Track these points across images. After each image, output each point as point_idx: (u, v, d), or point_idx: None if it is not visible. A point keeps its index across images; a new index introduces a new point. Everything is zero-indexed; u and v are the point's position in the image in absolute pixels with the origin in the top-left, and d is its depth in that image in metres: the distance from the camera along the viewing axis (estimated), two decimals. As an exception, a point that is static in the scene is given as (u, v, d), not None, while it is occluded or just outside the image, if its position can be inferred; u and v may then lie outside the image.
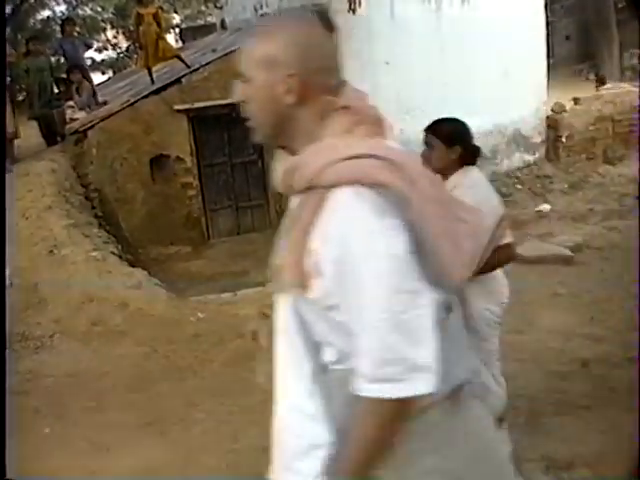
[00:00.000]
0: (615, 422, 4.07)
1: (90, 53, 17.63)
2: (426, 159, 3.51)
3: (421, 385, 1.65)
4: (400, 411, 1.68)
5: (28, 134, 11.11)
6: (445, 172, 3.54)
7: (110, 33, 24.55)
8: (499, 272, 3.70)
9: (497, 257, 3.49)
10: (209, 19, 23.29)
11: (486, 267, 3.47)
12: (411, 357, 1.64)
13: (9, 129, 9.70)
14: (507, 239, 3.57)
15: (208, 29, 18.58)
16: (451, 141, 3.51)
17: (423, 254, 1.70)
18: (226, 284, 8.63)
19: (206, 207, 11.38)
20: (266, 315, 6.50)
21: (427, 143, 3.58)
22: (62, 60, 13.30)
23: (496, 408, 3.73)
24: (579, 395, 4.54)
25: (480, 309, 3.50)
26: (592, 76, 18.31)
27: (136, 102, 10.49)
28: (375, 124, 1.85)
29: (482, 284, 3.51)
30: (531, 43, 12.48)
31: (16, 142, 10.37)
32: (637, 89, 12.91)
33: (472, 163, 3.60)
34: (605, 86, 13.83)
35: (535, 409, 4.40)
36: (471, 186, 3.47)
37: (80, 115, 10.67)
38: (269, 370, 1.98)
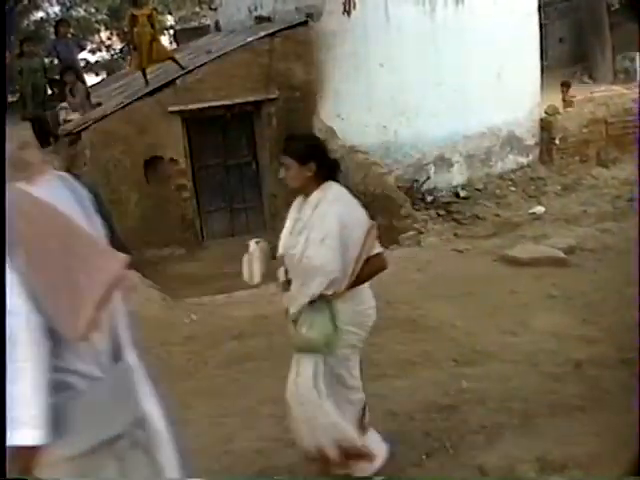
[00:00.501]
0: (609, 423, 4.08)
1: (84, 54, 17.63)
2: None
3: (21, 437, 1.78)
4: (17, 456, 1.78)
5: (21, 135, 11.08)
6: (305, 190, 3.54)
7: (104, 34, 24.52)
8: (369, 294, 3.66)
9: (368, 268, 3.49)
10: (203, 21, 23.28)
11: (358, 279, 3.47)
12: (17, 413, 1.74)
13: None
14: (377, 249, 3.56)
15: (202, 31, 18.57)
16: (304, 158, 3.45)
17: (38, 307, 1.75)
18: (220, 286, 8.61)
19: (200, 209, 11.37)
20: (264, 316, 6.53)
21: (282, 164, 3.52)
22: (55, 61, 13.28)
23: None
24: (573, 396, 4.55)
25: (344, 329, 3.47)
26: (586, 78, 18.39)
27: (130, 104, 10.47)
28: (19, 168, 1.88)
29: (350, 303, 3.50)
30: (525, 45, 12.51)
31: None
32: (629, 92, 12.95)
33: (333, 178, 3.55)
34: (570, 93, 13.87)
35: (529, 410, 4.41)
36: (333, 201, 3.45)
37: (74, 116, 10.65)
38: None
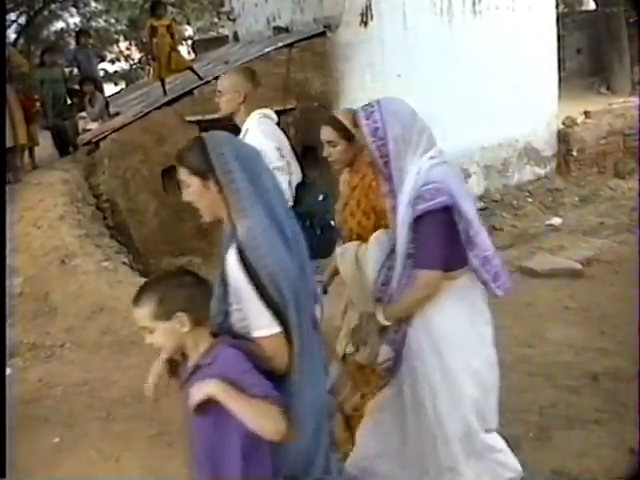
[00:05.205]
0: (625, 436, 4.06)
1: (103, 64, 17.76)
2: None
3: None
4: None
5: (41, 144, 11.18)
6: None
7: (123, 45, 24.71)
8: None
9: None
10: (221, 31, 23.43)
11: None
12: None
13: (21, 140, 9.75)
14: None
15: (220, 41, 18.69)
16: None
17: None
18: (236, 295, 8.61)
19: (217, 218, 11.40)
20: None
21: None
22: (75, 71, 13.39)
23: None
24: (589, 409, 4.52)
25: None
26: (604, 90, 18.33)
27: (148, 113, 10.54)
28: None
29: None
30: (543, 56, 12.49)
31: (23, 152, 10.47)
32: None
33: None
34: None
35: (545, 423, 4.39)
36: None
37: (92, 126, 10.73)
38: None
